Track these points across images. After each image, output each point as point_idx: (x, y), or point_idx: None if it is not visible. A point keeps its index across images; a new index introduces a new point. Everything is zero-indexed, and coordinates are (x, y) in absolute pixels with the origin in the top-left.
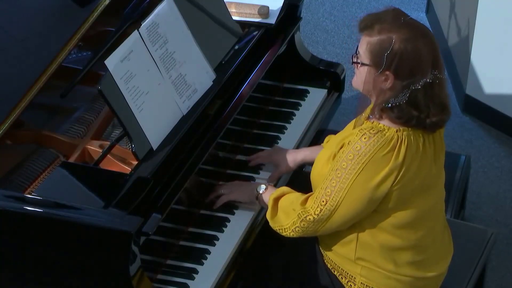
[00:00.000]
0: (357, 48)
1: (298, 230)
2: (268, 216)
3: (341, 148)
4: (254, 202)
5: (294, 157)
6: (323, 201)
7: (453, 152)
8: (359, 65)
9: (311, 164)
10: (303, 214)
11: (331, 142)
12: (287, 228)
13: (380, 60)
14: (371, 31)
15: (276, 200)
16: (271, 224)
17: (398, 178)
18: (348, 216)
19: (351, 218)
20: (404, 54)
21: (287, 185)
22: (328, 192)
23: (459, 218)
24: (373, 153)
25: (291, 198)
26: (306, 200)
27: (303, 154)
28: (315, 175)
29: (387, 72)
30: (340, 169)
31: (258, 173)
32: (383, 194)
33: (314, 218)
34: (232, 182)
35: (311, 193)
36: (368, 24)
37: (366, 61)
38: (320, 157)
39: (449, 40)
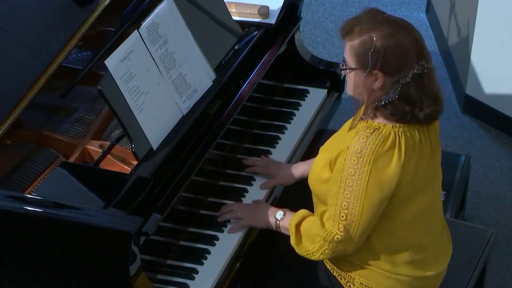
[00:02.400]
0: (343, 55)
1: (328, 252)
2: (293, 243)
3: (338, 155)
4: (271, 228)
5: (292, 172)
6: (342, 216)
7: (453, 152)
8: (348, 71)
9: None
10: (329, 236)
11: (328, 146)
12: (314, 252)
13: (366, 61)
14: (352, 35)
15: (298, 226)
16: (297, 250)
17: (401, 173)
18: (372, 220)
19: (374, 221)
20: (388, 50)
21: (284, 189)
22: (344, 205)
23: (459, 218)
24: (375, 150)
25: (310, 221)
26: (322, 222)
27: (302, 169)
28: (312, 179)
29: (375, 71)
30: (349, 177)
31: (255, 180)
32: (394, 188)
33: (341, 235)
34: (244, 204)
35: (322, 213)
36: (348, 29)
37: (353, 65)
38: (316, 162)
39: (449, 40)
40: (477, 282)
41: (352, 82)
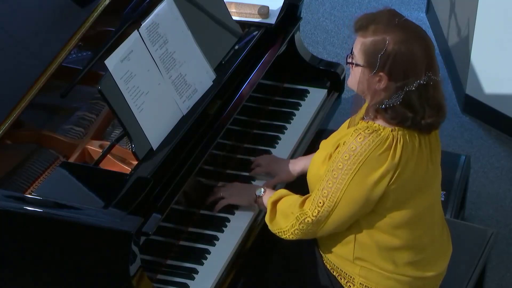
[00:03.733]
0: (352, 48)
1: (297, 233)
2: (267, 219)
3: (336, 148)
4: (253, 205)
5: (293, 168)
6: (320, 203)
7: (453, 152)
8: (353, 65)
9: None
10: (302, 217)
11: (326, 142)
12: (286, 230)
13: (374, 61)
14: (365, 32)
15: (275, 203)
16: (270, 227)
17: (394, 178)
18: (346, 217)
19: (348, 218)
20: (398, 56)
21: (285, 186)
22: (325, 193)
23: (459, 218)
24: (368, 152)
25: (289, 200)
26: (303, 202)
27: (302, 164)
28: (311, 176)
29: (381, 73)
30: (336, 170)
31: (254, 180)
32: (379, 194)
33: (312, 220)
34: (231, 184)
35: (308, 195)
36: (363, 24)
37: (360, 61)
38: (315, 158)
39: (449, 40)
40: (477, 282)
41: (356, 77)
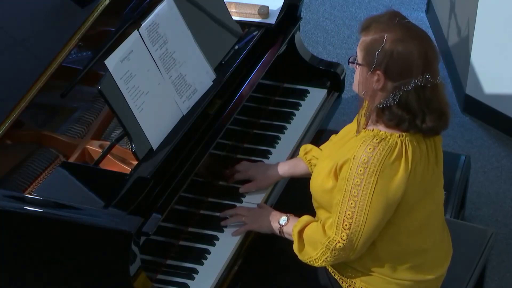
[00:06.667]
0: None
1: (330, 260)
2: (295, 250)
3: (344, 163)
4: (275, 233)
5: (271, 174)
6: (346, 225)
7: (453, 152)
8: (354, 65)
9: (291, 177)
10: (331, 244)
11: (331, 154)
12: (317, 259)
13: (372, 59)
14: (368, 31)
15: (301, 232)
16: (300, 257)
17: (407, 183)
18: (376, 230)
19: (377, 231)
20: (395, 54)
21: (282, 195)
22: (348, 214)
23: (459, 218)
24: (382, 161)
25: (312, 227)
26: (325, 228)
27: (282, 171)
28: (317, 186)
29: (378, 72)
30: (355, 187)
31: None
32: (399, 198)
33: (343, 244)
34: (251, 209)
35: (326, 219)
36: (366, 25)
37: (360, 60)
38: (320, 169)
39: (449, 40)
40: (477, 282)
41: (357, 77)
